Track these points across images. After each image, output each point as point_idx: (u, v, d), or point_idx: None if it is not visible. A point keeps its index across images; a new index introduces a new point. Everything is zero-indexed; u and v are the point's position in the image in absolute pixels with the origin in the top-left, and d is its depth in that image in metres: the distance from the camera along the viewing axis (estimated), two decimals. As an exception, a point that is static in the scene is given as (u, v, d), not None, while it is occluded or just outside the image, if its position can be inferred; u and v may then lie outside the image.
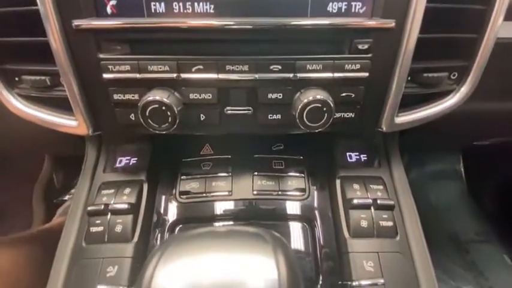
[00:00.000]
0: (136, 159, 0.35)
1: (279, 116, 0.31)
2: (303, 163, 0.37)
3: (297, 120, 0.29)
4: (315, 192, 0.35)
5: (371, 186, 0.30)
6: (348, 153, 0.36)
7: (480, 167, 1.01)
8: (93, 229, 0.30)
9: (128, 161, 0.35)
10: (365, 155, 0.35)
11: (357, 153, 0.37)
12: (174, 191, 0.36)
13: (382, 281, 0.26)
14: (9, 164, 0.88)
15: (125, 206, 0.30)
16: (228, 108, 0.31)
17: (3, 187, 0.91)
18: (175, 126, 0.30)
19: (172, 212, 0.34)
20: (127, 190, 0.31)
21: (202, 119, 0.31)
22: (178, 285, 0.20)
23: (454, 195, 1.02)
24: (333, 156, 0.36)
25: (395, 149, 0.36)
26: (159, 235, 0.33)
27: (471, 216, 0.96)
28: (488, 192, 0.99)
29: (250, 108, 0.31)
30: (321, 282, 0.30)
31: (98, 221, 0.30)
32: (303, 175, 0.36)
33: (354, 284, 0.27)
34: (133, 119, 0.32)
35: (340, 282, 0.29)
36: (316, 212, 0.34)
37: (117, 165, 0.34)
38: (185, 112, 0.30)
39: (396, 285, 0.26)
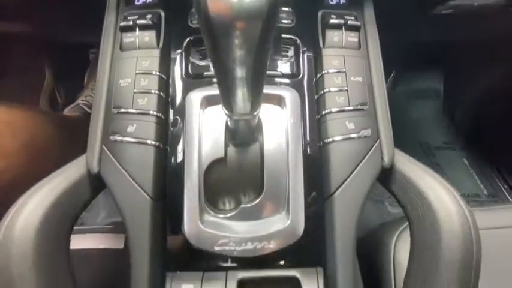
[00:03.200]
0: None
1: None
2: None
3: None
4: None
5: (345, 17, 0.36)
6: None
7: (456, 88, 1.09)
8: (126, 40, 0.35)
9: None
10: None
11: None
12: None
13: (344, 70, 0.33)
14: (10, 80, 0.89)
15: (150, 22, 0.34)
16: None
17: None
18: None
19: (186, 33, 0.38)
20: (148, 16, 0.35)
21: None
22: None
23: (431, 112, 1.13)
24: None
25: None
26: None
27: (442, 129, 1.09)
28: (460, 109, 1.09)
29: None
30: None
31: (129, 35, 0.35)
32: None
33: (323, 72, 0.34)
34: None
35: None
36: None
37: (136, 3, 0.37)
38: None
39: (354, 73, 0.34)
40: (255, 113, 0.24)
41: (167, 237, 0.32)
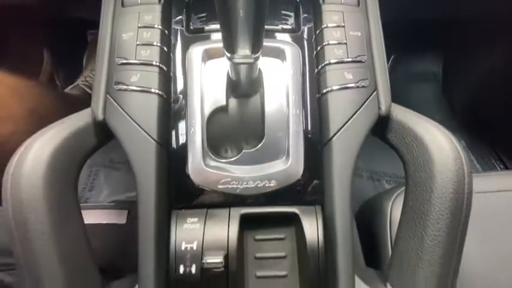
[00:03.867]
0: None
1: None
2: None
3: None
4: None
5: None
6: None
7: (455, 71, 1.10)
8: None
9: None
10: None
11: None
12: None
13: (343, 24, 0.34)
14: (8, 63, 0.89)
15: None
16: None
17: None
18: None
19: None
20: None
21: None
22: None
23: (430, 94, 1.14)
24: None
25: None
26: None
27: (441, 111, 1.10)
28: (459, 92, 1.10)
29: None
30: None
31: None
32: None
33: (323, 27, 0.34)
34: None
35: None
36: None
37: None
38: None
39: (353, 28, 0.34)
40: (256, 55, 0.25)
41: (172, 179, 0.33)
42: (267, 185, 0.31)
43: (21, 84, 0.58)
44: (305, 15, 0.37)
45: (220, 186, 0.32)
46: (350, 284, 0.30)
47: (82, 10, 0.69)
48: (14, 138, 0.52)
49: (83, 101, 0.36)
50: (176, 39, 0.36)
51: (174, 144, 0.33)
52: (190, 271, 0.30)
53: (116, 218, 0.73)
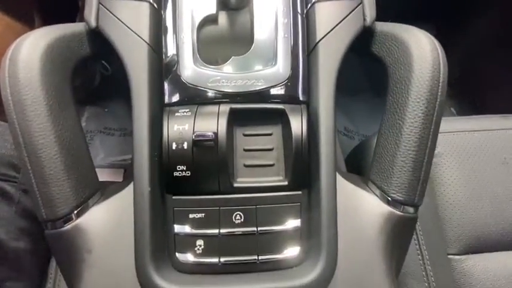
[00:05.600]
0: None
1: None
2: None
3: None
4: None
5: None
6: None
7: (447, 40, 1.11)
8: None
9: None
10: None
11: None
12: None
13: None
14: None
15: None
16: None
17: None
18: None
19: None
20: None
21: None
22: None
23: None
24: None
25: None
26: None
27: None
28: (452, 61, 1.11)
29: None
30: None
31: None
32: None
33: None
34: None
35: None
36: None
37: None
38: None
39: None
40: None
41: (164, 80, 0.34)
42: (255, 84, 0.33)
43: (17, 23, 0.58)
44: None
45: (210, 84, 0.33)
46: (332, 178, 0.32)
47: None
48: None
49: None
50: None
51: (165, 50, 0.35)
52: (182, 147, 0.31)
53: (113, 176, 0.75)
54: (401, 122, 0.31)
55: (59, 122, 0.29)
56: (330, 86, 0.33)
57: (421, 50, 0.31)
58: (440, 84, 0.31)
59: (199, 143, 0.31)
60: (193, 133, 0.31)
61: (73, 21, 1.04)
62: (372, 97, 1.01)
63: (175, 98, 0.34)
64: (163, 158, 0.32)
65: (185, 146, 0.31)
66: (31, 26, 0.66)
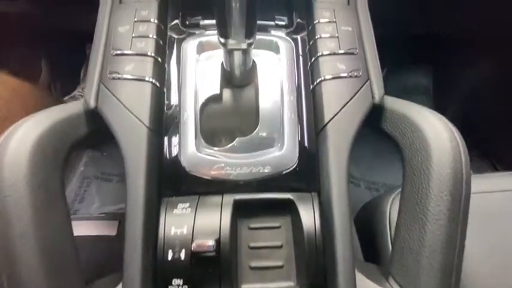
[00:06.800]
0: None
1: None
2: None
3: None
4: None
5: None
6: None
7: (446, 84, 1.13)
8: None
9: None
10: None
11: None
12: None
13: (335, 20, 0.35)
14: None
15: None
16: None
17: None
18: None
19: None
20: None
21: None
22: None
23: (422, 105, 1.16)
24: None
25: None
26: None
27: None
28: (451, 104, 1.12)
29: None
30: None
31: None
32: None
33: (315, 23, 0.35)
34: None
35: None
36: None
37: None
38: None
39: (344, 23, 0.35)
40: (250, 41, 0.25)
41: (163, 166, 0.32)
42: (261, 171, 0.31)
43: (22, 86, 0.59)
44: (297, 11, 0.39)
45: (213, 172, 0.31)
46: (350, 276, 0.28)
47: (82, 22, 0.70)
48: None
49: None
50: (172, 34, 0.37)
51: (166, 132, 0.33)
52: (179, 257, 0.28)
53: (106, 229, 0.70)
54: (424, 217, 0.28)
55: (44, 223, 0.26)
56: (342, 169, 0.30)
57: (438, 139, 0.29)
58: (464, 175, 0.28)
59: (198, 255, 0.28)
60: (193, 241, 0.28)
61: (80, 69, 1.08)
62: (376, 141, 1.00)
63: (175, 187, 0.31)
64: (157, 269, 0.28)
65: (182, 255, 0.28)
66: (37, 83, 0.67)
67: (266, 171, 0.31)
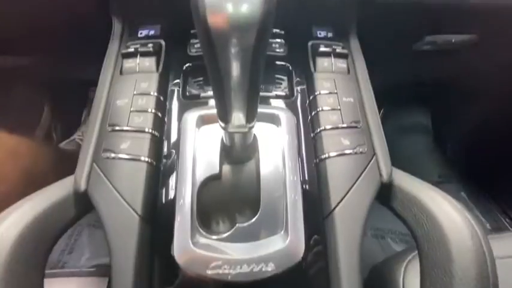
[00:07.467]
0: (153, 31, 0.40)
1: None
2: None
3: None
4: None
5: (333, 46, 0.39)
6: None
7: (446, 123, 1.13)
8: (127, 65, 0.36)
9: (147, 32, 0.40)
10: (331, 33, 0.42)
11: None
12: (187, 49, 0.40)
13: (336, 91, 0.35)
14: (8, 115, 0.90)
15: (151, 49, 0.36)
16: None
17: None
18: None
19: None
20: (149, 45, 0.37)
21: None
22: None
23: (423, 147, 1.15)
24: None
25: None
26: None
27: (436, 163, 1.10)
28: (451, 143, 1.12)
29: None
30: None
31: (130, 60, 0.36)
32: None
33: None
34: None
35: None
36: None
37: (139, 35, 0.40)
38: None
39: (345, 94, 0.35)
40: (250, 125, 0.24)
41: (154, 260, 0.29)
42: (263, 269, 0.27)
43: (18, 145, 0.59)
44: (298, 79, 0.39)
45: (209, 272, 0.27)
46: None
47: (84, 72, 0.72)
48: (7, 199, 0.52)
49: (78, 156, 0.36)
50: (172, 104, 0.36)
51: (160, 217, 0.31)
52: None
53: (96, 286, 0.65)
54: None
55: None
56: (354, 265, 0.28)
57: (459, 237, 0.26)
58: (490, 278, 0.26)
59: None
60: None
61: (81, 111, 1.09)
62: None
63: (167, 284, 0.29)
64: None
65: None
66: (37, 128, 0.67)
67: (269, 269, 0.28)
